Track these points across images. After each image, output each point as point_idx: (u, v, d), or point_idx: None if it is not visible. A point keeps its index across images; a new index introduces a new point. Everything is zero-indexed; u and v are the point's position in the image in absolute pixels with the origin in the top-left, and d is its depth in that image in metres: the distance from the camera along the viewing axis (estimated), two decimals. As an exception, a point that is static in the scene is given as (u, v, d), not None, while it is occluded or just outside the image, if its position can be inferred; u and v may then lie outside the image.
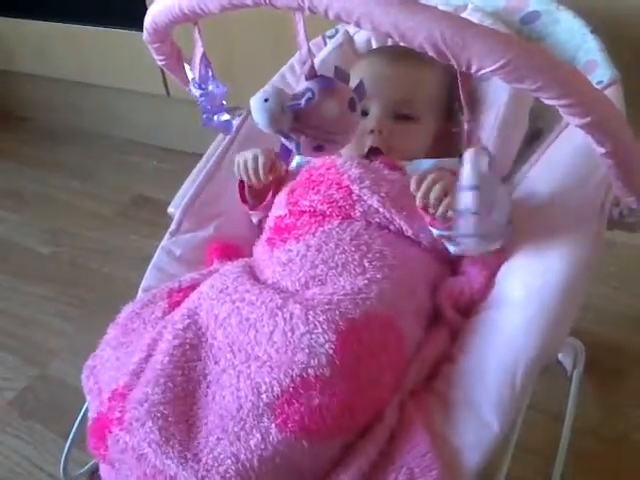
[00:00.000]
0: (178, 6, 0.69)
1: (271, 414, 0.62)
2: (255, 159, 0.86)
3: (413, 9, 0.52)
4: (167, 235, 0.95)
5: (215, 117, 0.84)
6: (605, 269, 1.31)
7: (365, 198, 0.79)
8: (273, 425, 0.62)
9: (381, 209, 0.78)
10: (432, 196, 0.71)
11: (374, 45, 1.06)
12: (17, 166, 2.01)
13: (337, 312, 0.67)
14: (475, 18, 0.92)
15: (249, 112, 1.02)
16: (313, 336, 0.65)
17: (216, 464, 0.61)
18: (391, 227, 0.78)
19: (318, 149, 0.72)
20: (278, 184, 0.90)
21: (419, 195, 0.72)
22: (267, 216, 0.89)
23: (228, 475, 0.60)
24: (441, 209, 0.71)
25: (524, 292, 0.71)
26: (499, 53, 0.51)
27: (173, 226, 0.96)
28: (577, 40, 0.89)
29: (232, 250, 0.91)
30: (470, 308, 0.76)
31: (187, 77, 0.85)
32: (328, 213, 0.80)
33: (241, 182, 0.92)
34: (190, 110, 1.61)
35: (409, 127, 0.89)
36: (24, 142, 2.15)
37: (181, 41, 0.84)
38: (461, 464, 0.62)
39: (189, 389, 0.69)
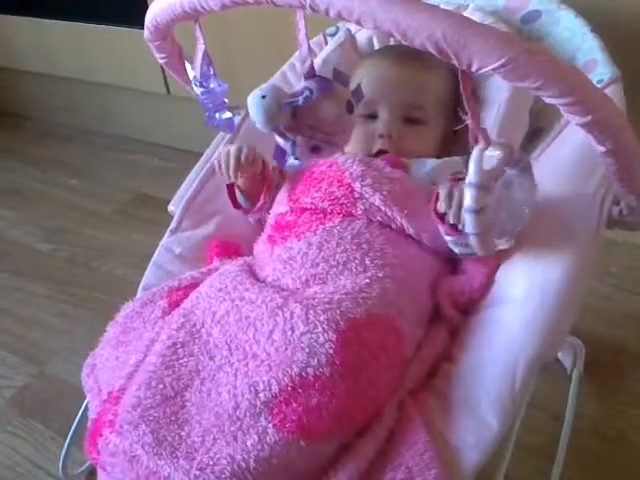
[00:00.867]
0: (179, 4, 0.69)
1: (268, 413, 0.62)
2: (238, 149, 0.84)
3: (414, 8, 0.52)
4: (167, 233, 0.95)
5: (217, 115, 0.84)
6: (605, 268, 1.31)
7: (367, 196, 0.78)
8: (270, 425, 0.61)
9: (382, 207, 0.78)
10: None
11: (376, 43, 1.05)
12: (17, 164, 2.01)
13: (338, 311, 0.67)
14: (476, 17, 0.92)
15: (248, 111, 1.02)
16: (313, 335, 0.65)
17: (211, 463, 0.61)
18: (392, 226, 0.78)
19: (314, 150, 0.72)
20: (269, 185, 0.89)
21: (452, 213, 0.70)
22: (267, 214, 0.89)
23: (223, 476, 0.60)
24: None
25: (524, 291, 0.71)
26: (500, 51, 0.51)
27: (173, 224, 0.96)
28: (577, 39, 0.89)
29: (232, 248, 0.91)
30: (470, 307, 0.76)
31: (188, 75, 0.85)
32: (329, 211, 0.80)
33: (229, 187, 0.91)
34: (191, 108, 1.61)
35: (418, 130, 0.89)
36: (24, 140, 2.15)
37: (182, 39, 0.84)
38: (460, 463, 0.62)
39: (180, 386, 0.68)
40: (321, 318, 0.66)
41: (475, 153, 0.61)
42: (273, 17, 1.38)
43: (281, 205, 0.86)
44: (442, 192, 0.71)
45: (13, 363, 1.28)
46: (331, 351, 0.64)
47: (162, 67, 0.87)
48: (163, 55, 0.84)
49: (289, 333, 0.66)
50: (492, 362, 0.68)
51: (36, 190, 1.87)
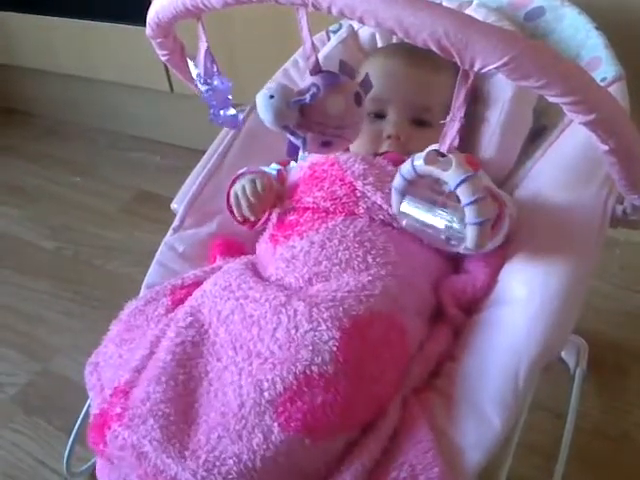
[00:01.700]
0: (181, 1, 0.69)
1: (273, 412, 0.62)
2: (253, 185, 0.85)
3: (417, 5, 0.52)
4: (170, 231, 0.95)
5: (222, 112, 0.84)
6: (608, 267, 1.31)
7: (369, 195, 0.79)
8: (275, 424, 0.61)
9: (385, 206, 0.78)
10: None
11: (379, 40, 1.05)
12: (20, 162, 2.01)
13: (341, 309, 0.67)
14: (480, 14, 0.92)
15: (252, 109, 1.02)
16: (317, 333, 0.65)
17: (217, 463, 0.61)
18: (394, 224, 0.78)
19: (325, 145, 0.72)
20: (276, 201, 0.88)
21: None
22: (270, 213, 0.88)
23: (230, 476, 0.60)
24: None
25: (527, 290, 0.71)
26: (503, 50, 0.50)
27: (176, 222, 0.96)
28: (581, 36, 0.89)
29: (235, 246, 0.91)
30: (473, 306, 0.76)
31: (190, 73, 0.85)
32: (331, 210, 0.80)
33: (229, 204, 0.90)
34: (193, 106, 1.62)
35: (426, 133, 0.88)
36: (27, 137, 2.15)
37: (184, 37, 0.84)
38: (463, 461, 0.62)
39: (190, 387, 0.69)
40: (324, 316, 0.66)
41: (456, 155, 0.61)
42: (275, 15, 1.38)
43: (283, 204, 0.86)
44: None
45: (17, 360, 1.28)
46: (335, 349, 0.64)
47: (165, 65, 0.87)
48: (165, 52, 0.84)
49: (293, 331, 0.66)
50: (495, 361, 0.68)
51: (39, 188, 1.87)
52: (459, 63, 0.53)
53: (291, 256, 0.77)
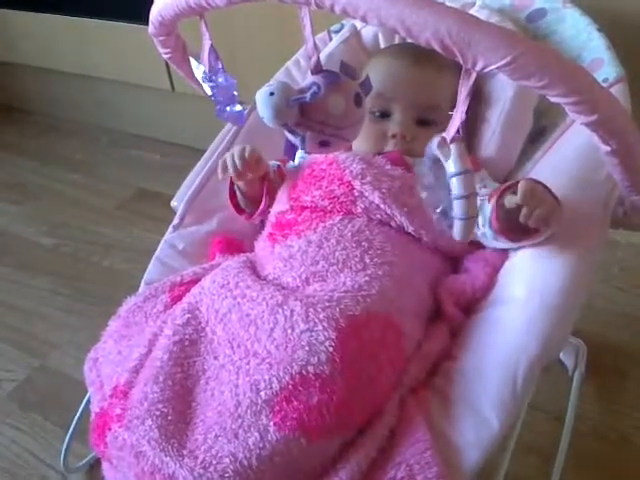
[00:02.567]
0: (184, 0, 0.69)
1: (269, 412, 0.62)
2: (242, 149, 0.85)
3: (420, 5, 0.52)
4: (170, 229, 0.95)
5: (228, 108, 0.84)
6: (608, 269, 1.31)
7: (366, 194, 0.78)
8: (271, 423, 0.61)
9: (382, 205, 0.78)
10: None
11: (381, 40, 1.05)
12: (20, 159, 2.01)
13: (337, 309, 0.67)
14: (482, 15, 0.92)
15: (253, 107, 1.02)
16: (313, 334, 0.65)
17: (214, 462, 0.61)
18: (392, 223, 0.78)
19: (324, 145, 0.72)
20: (270, 188, 0.89)
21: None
22: (267, 205, 0.88)
23: (226, 475, 0.60)
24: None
25: (526, 290, 0.70)
26: (506, 50, 0.50)
27: (176, 220, 0.96)
28: (583, 38, 0.89)
29: (234, 244, 0.91)
30: (471, 306, 0.76)
31: (192, 70, 0.85)
32: (329, 209, 0.80)
33: (232, 193, 0.92)
34: (194, 105, 1.62)
35: (431, 132, 0.86)
36: (27, 135, 2.15)
37: (186, 35, 0.84)
38: (461, 461, 0.62)
39: (188, 386, 0.69)
40: (321, 316, 0.66)
41: (456, 146, 0.61)
42: (276, 13, 1.38)
43: (282, 203, 0.86)
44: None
45: (14, 356, 1.28)
46: (331, 349, 0.64)
47: (166, 63, 0.87)
48: (167, 50, 0.84)
49: (289, 331, 0.66)
50: (494, 361, 0.68)
51: (38, 185, 1.87)
52: (461, 62, 0.53)
53: (289, 255, 0.77)
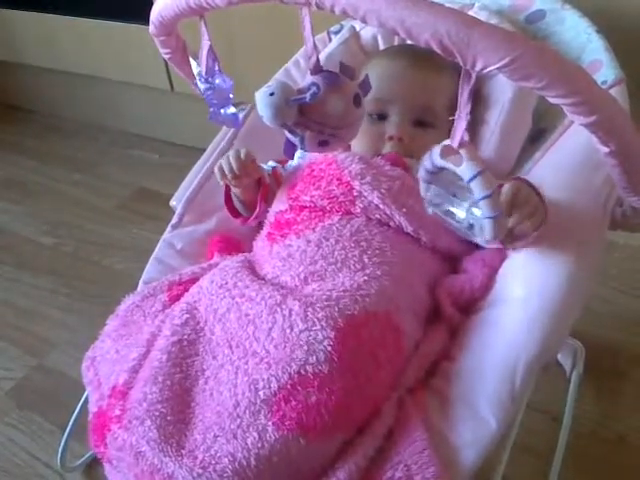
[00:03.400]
0: (185, 0, 0.69)
1: (268, 411, 0.62)
2: (237, 151, 0.86)
3: (419, 6, 0.52)
4: (169, 228, 0.96)
5: (222, 110, 0.84)
6: (606, 271, 1.31)
7: (365, 194, 0.78)
8: (270, 423, 0.61)
9: (381, 205, 0.78)
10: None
11: (380, 41, 1.05)
12: (20, 158, 2.02)
13: (336, 309, 0.67)
14: (482, 17, 0.92)
15: (252, 108, 1.02)
16: (312, 333, 0.65)
17: (213, 462, 0.61)
18: (391, 224, 0.78)
19: (322, 144, 0.72)
20: (265, 192, 0.90)
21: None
22: (267, 211, 0.89)
23: (225, 474, 0.60)
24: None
25: (525, 291, 0.71)
26: (505, 51, 0.50)
27: (175, 219, 0.96)
28: (582, 39, 0.89)
29: (233, 244, 0.91)
30: (470, 306, 0.76)
31: (192, 71, 0.85)
32: (328, 209, 0.80)
33: (227, 198, 0.92)
34: (193, 104, 1.62)
35: (429, 134, 0.88)
36: (28, 134, 2.15)
37: (186, 35, 0.84)
38: (459, 461, 0.62)
39: (187, 386, 0.69)
40: (319, 315, 0.66)
41: (467, 150, 0.61)
42: (274, 14, 1.39)
43: (280, 203, 0.86)
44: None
45: (13, 355, 1.28)
46: (329, 348, 0.64)
47: (166, 63, 0.88)
48: (168, 50, 0.84)
49: (288, 331, 0.66)
50: (492, 362, 0.68)
51: (39, 184, 1.87)
52: (461, 63, 0.53)
53: (287, 255, 0.77)
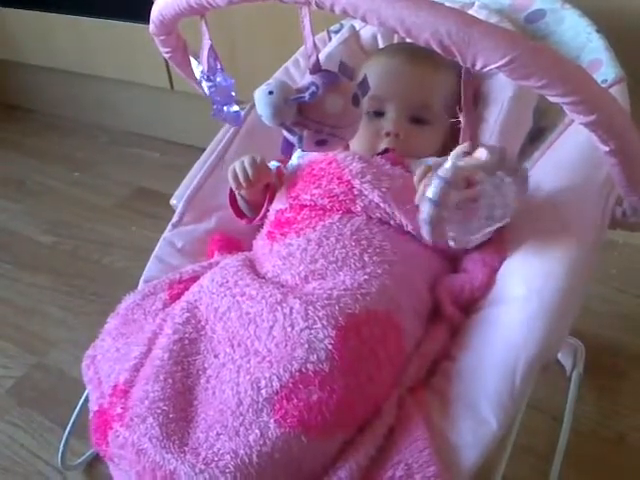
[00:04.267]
0: (185, -1, 0.69)
1: (270, 409, 0.62)
2: (252, 158, 0.86)
3: (419, 5, 0.52)
4: (169, 227, 0.96)
5: (225, 108, 0.84)
6: (606, 270, 1.31)
7: (366, 193, 0.79)
8: (272, 420, 0.62)
9: (382, 204, 0.78)
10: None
11: (380, 40, 1.05)
12: (20, 156, 2.01)
13: (337, 307, 0.67)
14: (482, 16, 0.92)
15: (252, 107, 1.02)
16: (312, 331, 0.65)
17: (215, 459, 0.61)
18: (392, 222, 0.78)
19: (320, 144, 0.72)
20: (272, 194, 0.90)
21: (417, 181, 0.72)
22: (268, 210, 0.89)
23: (227, 470, 0.60)
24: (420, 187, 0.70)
25: (525, 290, 0.70)
26: (505, 50, 0.51)
27: (175, 218, 0.96)
28: (582, 39, 0.89)
29: (233, 243, 0.91)
30: (470, 305, 0.76)
31: (192, 70, 0.85)
32: (329, 207, 0.80)
33: (232, 199, 0.92)
34: (193, 103, 1.62)
35: (424, 130, 0.88)
36: (27, 133, 2.15)
37: (186, 34, 0.84)
38: (459, 461, 0.62)
39: (188, 384, 0.69)
40: (320, 314, 0.66)
41: (457, 150, 0.62)
42: (274, 14, 1.38)
43: (281, 202, 0.86)
44: (418, 172, 0.73)
45: (13, 353, 1.28)
46: (330, 347, 0.64)
47: (166, 62, 0.88)
48: (168, 50, 0.84)
49: (289, 329, 0.66)
50: (492, 361, 0.68)
51: (38, 183, 1.87)
52: (461, 62, 0.53)
53: (288, 253, 0.77)
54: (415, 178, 0.73)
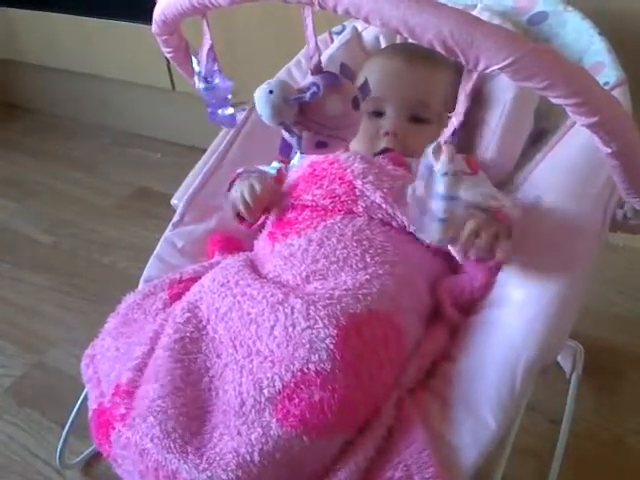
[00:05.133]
0: (188, -1, 0.69)
1: (272, 409, 0.63)
2: (251, 188, 0.85)
3: (422, 5, 0.52)
4: (170, 227, 0.96)
5: (220, 111, 0.84)
6: (606, 272, 1.31)
7: (368, 193, 0.79)
8: (274, 420, 0.62)
9: (384, 205, 0.78)
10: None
11: (382, 42, 1.05)
12: (20, 156, 2.02)
13: (338, 307, 0.67)
14: (484, 17, 0.91)
15: (253, 108, 1.02)
16: (314, 331, 0.65)
17: (218, 458, 0.61)
18: (393, 223, 0.78)
19: (320, 146, 0.72)
20: (273, 203, 0.88)
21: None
22: (267, 217, 0.89)
23: (229, 469, 0.60)
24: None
25: (525, 292, 0.71)
26: (507, 51, 0.50)
27: (176, 218, 0.96)
28: (584, 41, 0.89)
29: (233, 243, 0.91)
30: (470, 306, 0.76)
31: (194, 70, 0.85)
32: (330, 208, 0.80)
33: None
34: (195, 104, 1.61)
35: (423, 130, 0.88)
36: (28, 132, 2.15)
37: (188, 34, 0.84)
38: (458, 462, 0.62)
39: (190, 381, 0.69)
40: (321, 314, 0.66)
41: (447, 149, 0.62)
42: (276, 14, 1.39)
43: (282, 202, 0.86)
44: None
45: (12, 352, 1.28)
46: (332, 346, 0.64)
47: (168, 62, 0.88)
48: (170, 50, 0.84)
49: (290, 329, 0.66)
50: (492, 363, 0.68)
51: (38, 182, 1.87)
52: (463, 63, 0.53)
53: (289, 254, 0.77)
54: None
